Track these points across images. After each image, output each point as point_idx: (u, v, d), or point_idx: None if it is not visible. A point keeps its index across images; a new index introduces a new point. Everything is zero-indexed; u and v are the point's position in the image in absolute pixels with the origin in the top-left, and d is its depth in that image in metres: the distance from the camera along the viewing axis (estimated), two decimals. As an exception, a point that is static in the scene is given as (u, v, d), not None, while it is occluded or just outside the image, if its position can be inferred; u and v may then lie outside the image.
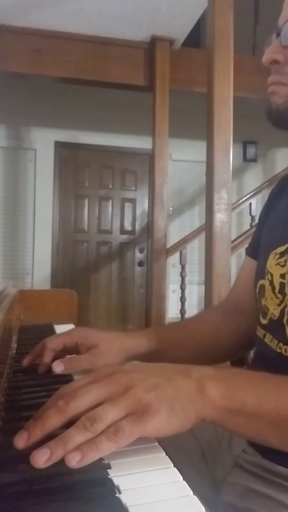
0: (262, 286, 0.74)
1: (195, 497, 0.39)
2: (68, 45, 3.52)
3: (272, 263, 0.72)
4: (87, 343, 0.73)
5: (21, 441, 0.44)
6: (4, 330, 0.71)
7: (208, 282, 2.46)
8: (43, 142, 4.50)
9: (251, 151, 4.95)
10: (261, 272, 0.75)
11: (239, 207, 4.00)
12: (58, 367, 0.68)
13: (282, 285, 0.68)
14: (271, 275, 0.71)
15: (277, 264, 0.70)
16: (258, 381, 0.53)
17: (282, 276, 0.69)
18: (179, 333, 0.87)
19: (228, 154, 2.46)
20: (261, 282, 0.75)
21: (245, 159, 4.96)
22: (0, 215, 4.45)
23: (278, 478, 0.64)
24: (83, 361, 0.71)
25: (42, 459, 0.41)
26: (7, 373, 0.71)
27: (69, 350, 0.75)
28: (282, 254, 0.70)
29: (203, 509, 0.38)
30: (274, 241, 0.73)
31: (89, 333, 0.75)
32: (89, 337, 0.74)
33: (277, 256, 0.71)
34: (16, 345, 0.95)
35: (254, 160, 5.00)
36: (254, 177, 4.89)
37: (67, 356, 0.74)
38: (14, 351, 0.90)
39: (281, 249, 0.71)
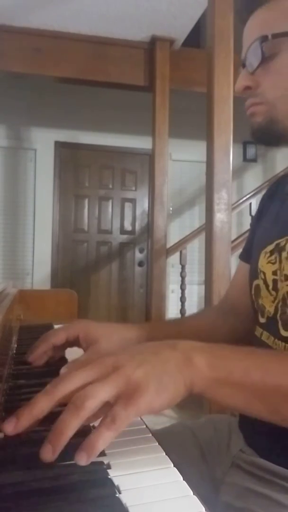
0: (257, 286, 0.75)
1: (195, 497, 0.39)
2: (68, 45, 3.52)
3: (263, 262, 0.73)
4: (88, 338, 0.74)
5: (9, 426, 0.43)
6: (4, 330, 0.71)
7: (208, 282, 2.46)
8: (43, 142, 4.49)
9: (251, 151, 4.95)
10: (254, 273, 0.77)
11: (239, 207, 4.00)
12: None
13: (275, 281, 0.70)
14: (264, 273, 0.73)
15: (269, 262, 0.72)
16: (245, 353, 0.54)
17: (274, 273, 0.70)
18: (178, 327, 0.89)
19: (228, 154, 2.46)
20: (255, 282, 0.76)
21: (245, 159, 4.96)
22: (0, 215, 4.45)
23: (276, 477, 0.64)
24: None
25: (48, 454, 0.42)
26: (7, 373, 0.71)
27: (71, 343, 0.76)
28: (272, 252, 0.72)
29: (203, 509, 0.38)
30: (264, 242, 0.75)
31: (90, 328, 0.76)
32: (90, 332, 0.75)
33: (268, 255, 0.73)
34: (16, 345, 0.95)
35: (254, 160, 5.00)
36: (254, 177, 4.89)
37: (74, 359, 0.74)
38: (14, 351, 0.90)
39: (270, 247, 0.72)
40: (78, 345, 0.75)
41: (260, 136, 0.73)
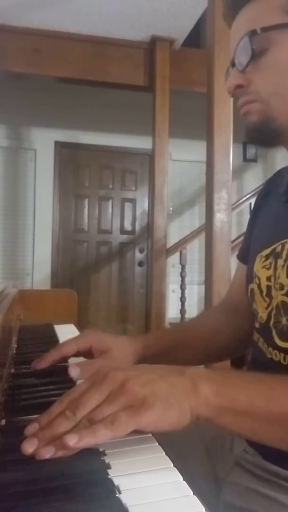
0: (252, 290, 0.75)
1: (195, 497, 0.39)
2: (68, 45, 3.52)
3: (258, 267, 0.73)
4: (100, 347, 0.75)
5: (30, 448, 0.44)
6: (4, 330, 0.72)
7: (208, 282, 2.46)
8: (43, 142, 4.49)
9: (251, 151, 4.95)
10: (250, 276, 0.76)
11: (239, 207, 4.00)
12: (74, 371, 0.68)
13: (268, 288, 0.69)
14: (259, 278, 0.72)
15: (263, 267, 0.71)
16: (250, 380, 0.54)
17: (268, 279, 0.69)
18: (184, 333, 0.90)
19: (228, 154, 2.46)
20: (251, 286, 0.76)
21: (245, 159, 4.96)
22: (0, 215, 4.45)
23: (278, 478, 0.64)
24: (98, 366, 0.72)
25: (47, 455, 0.43)
26: (7, 373, 0.71)
27: (82, 354, 0.76)
28: (267, 257, 0.71)
29: (203, 509, 0.38)
30: (260, 245, 0.75)
31: (103, 338, 0.77)
32: (103, 342, 0.76)
33: (263, 259, 0.72)
34: (16, 345, 0.95)
35: (254, 160, 5.00)
36: (254, 177, 4.89)
37: (83, 360, 0.74)
38: (14, 351, 0.90)
39: (266, 251, 0.72)
40: (89, 356, 0.75)
41: (257, 136, 0.71)
